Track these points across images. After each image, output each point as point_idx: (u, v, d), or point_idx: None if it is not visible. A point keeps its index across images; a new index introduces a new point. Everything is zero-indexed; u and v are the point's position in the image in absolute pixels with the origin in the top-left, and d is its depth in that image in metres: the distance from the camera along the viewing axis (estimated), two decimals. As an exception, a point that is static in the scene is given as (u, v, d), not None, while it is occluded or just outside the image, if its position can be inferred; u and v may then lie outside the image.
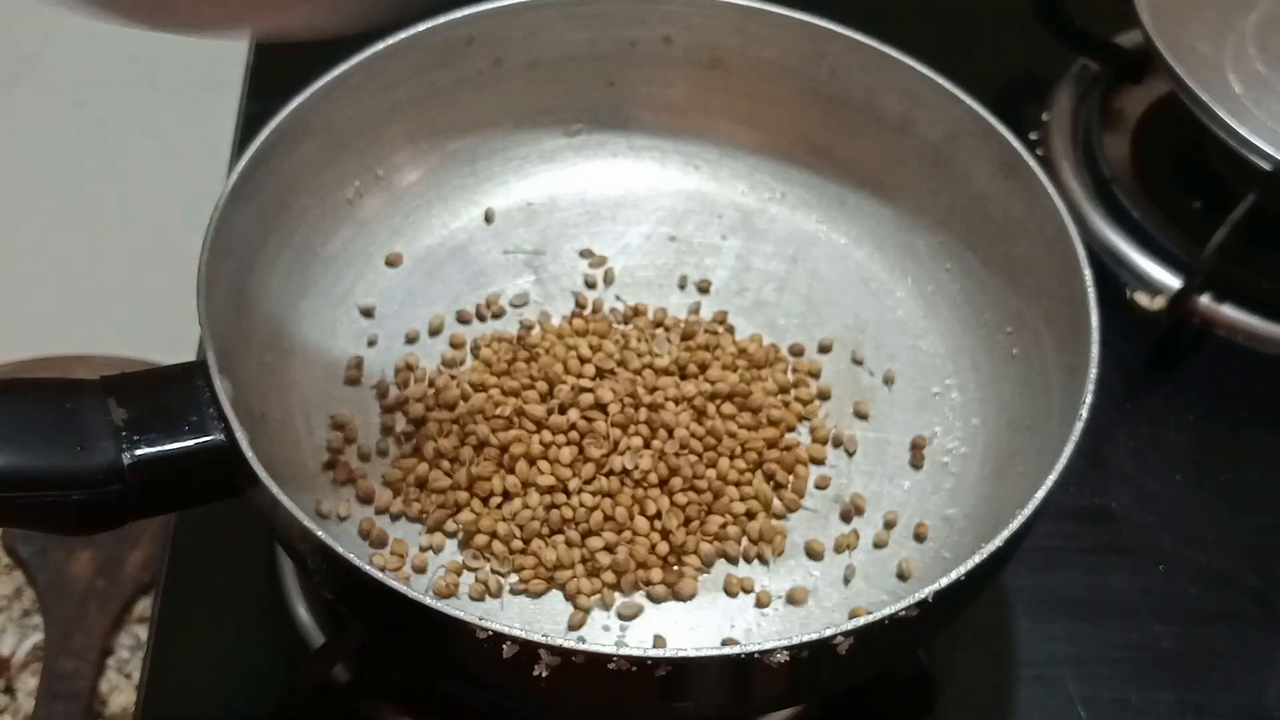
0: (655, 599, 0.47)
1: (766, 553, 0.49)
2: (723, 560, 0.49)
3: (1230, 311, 0.63)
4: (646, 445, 0.50)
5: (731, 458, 0.50)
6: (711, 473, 0.49)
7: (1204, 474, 0.59)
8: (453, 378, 0.52)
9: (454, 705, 0.49)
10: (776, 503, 0.50)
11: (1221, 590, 0.55)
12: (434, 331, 0.55)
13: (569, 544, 0.48)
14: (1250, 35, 0.66)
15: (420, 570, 0.48)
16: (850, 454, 0.52)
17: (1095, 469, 0.58)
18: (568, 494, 0.49)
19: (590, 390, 0.50)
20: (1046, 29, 0.70)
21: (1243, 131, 0.59)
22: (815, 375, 0.54)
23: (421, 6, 0.50)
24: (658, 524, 0.48)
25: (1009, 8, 0.74)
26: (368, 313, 0.55)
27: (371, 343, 0.54)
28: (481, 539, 0.48)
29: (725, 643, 0.46)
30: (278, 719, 0.48)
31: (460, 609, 0.39)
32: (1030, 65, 0.75)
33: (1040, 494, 0.42)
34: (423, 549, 0.48)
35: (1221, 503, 0.58)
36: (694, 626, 0.47)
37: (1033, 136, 0.70)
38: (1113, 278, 0.64)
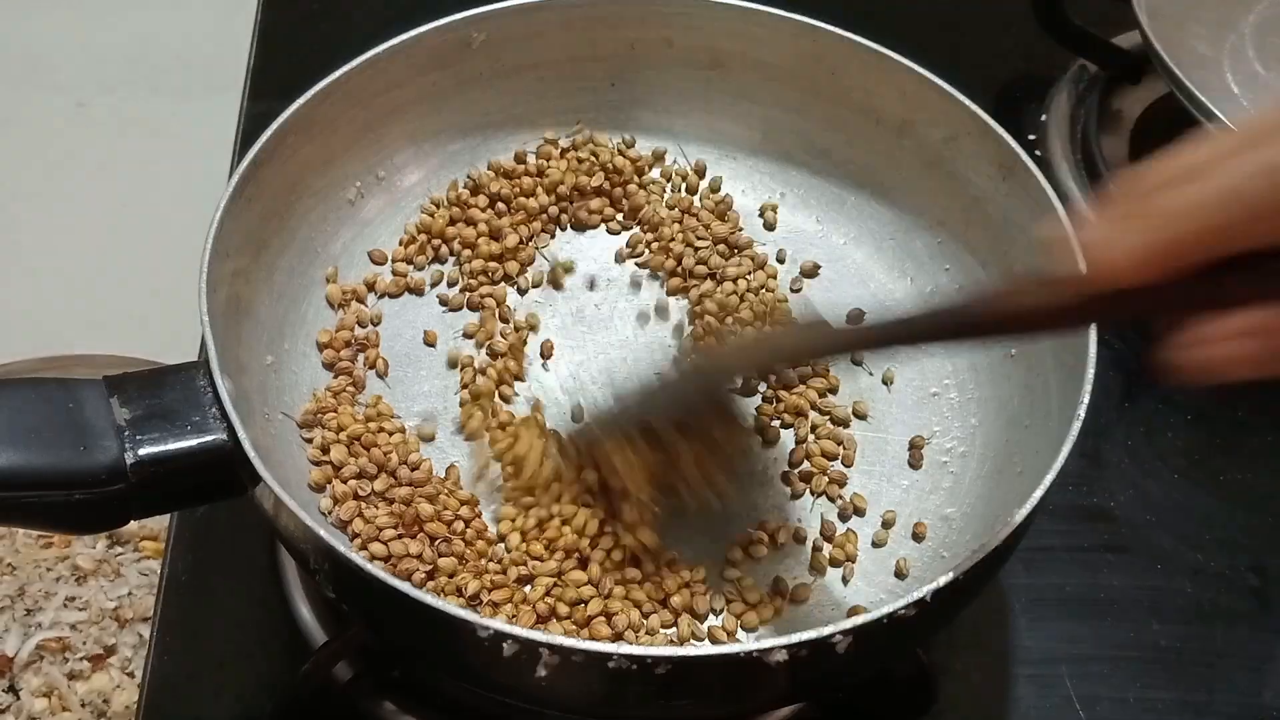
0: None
1: (766, 552, 0.49)
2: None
3: (1228, 311, 0.63)
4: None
5: (731, 457, 0.50)
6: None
7: (1202, 473, 0.59)
8: None
9: (455, 703, 0.49)
10: (776, 502, 0.50)
11: (1219, 589, 0.55)
12: (435, 331, 0.55)
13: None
14: (1248, 36, 0.66)
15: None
16: (849, 453, 0.52)
17: (1094, 468, 0.58)
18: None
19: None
20: (1045, 30, 0.70)
21: (1241, 132, 0.59)
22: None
23: None
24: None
25: (1008, 9, 0.75)
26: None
27: (373, 343, 0.54)
28: None
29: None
30: (280, 716, 0.49)
31: (461, 608, 0.39)
32: (1029, 66, 0.75)
33: (1038, 493, 0.42)
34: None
35: (1219, 502, 0.58)
36: (694, 625, 0.47)
37: (1031, 137, 0.70)
38: (1111, 278, 0.64)
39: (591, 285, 0.56)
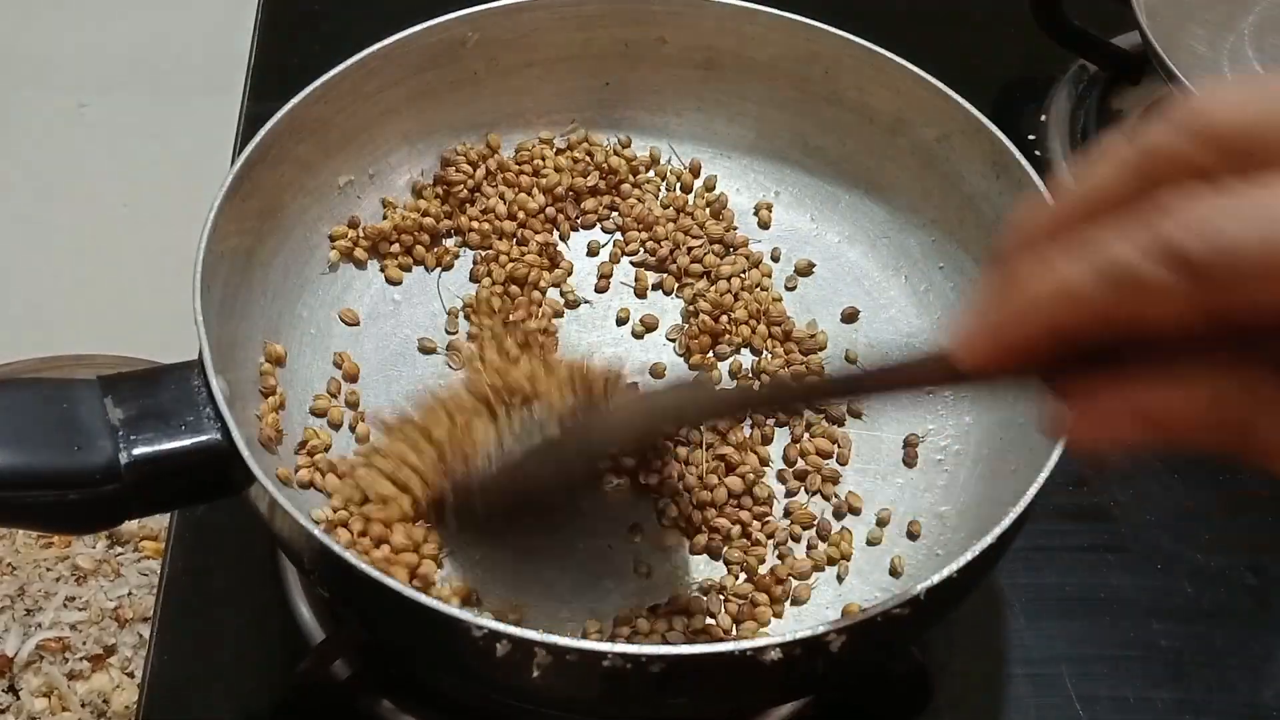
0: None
1: (761, 550, 0.49)
2: (717, 558, 0.49)
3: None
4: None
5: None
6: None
7: (1202, 473, 0.59)
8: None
9: (453, 702, 0.49)
10: (771, 500, 0.50)
11: (1219, 589, 0.55)
12: (431, 331, 0.55)
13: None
14: (1248, 36, 0.66)
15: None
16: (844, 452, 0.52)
17: (1092, 468, 0.58)
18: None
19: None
20: (1044, 30, 0.70)
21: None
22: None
23: None
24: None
25: (1007, 9, 0.74)
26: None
27: (369, 342, 0.54)
28: None
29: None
30: (279, 715, 0.49)
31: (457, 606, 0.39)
32: (1028, 66, 0.75)
33: (1031, 491, 0.42)
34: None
35: (1219, 501, 0.58)
36: (688, 624, 0.47)
37: (1031, 138, 0.70)
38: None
39: (586, 285, 0.56)
